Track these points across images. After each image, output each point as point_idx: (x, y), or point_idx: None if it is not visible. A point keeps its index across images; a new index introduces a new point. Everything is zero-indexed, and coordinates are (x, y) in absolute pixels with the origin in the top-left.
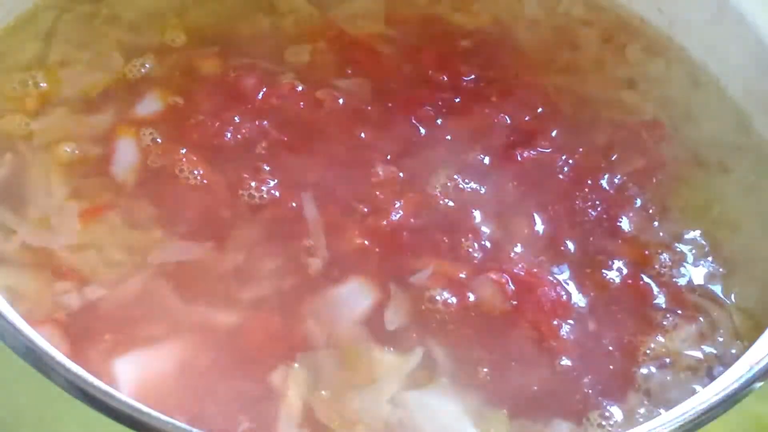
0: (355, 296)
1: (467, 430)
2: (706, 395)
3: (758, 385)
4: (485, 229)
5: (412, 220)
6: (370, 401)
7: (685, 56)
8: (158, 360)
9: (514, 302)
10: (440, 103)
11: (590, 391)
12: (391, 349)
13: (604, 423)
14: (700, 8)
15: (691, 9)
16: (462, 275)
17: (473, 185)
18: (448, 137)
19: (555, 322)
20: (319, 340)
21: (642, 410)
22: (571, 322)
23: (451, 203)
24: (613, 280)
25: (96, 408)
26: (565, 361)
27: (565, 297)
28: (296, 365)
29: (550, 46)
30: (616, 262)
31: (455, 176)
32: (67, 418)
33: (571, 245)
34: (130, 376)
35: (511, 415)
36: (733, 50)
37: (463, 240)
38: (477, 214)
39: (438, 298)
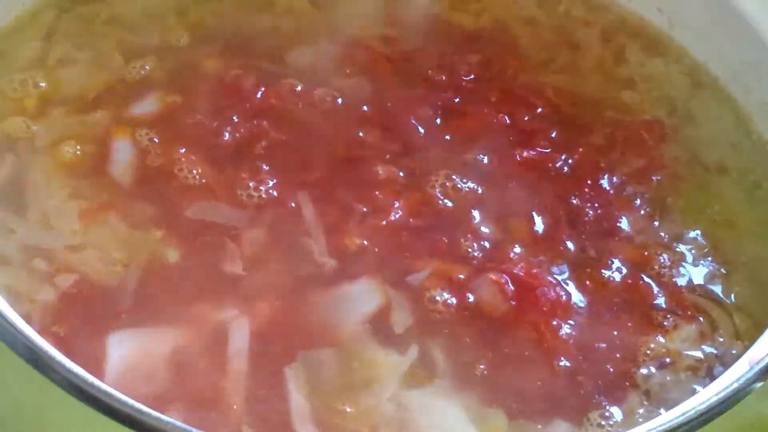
0: (361, 297)
1: (467, 430)
2: (706, 395)
3: (758, 385)
4: (485, 230)
5: (411, 220)
6: (370, 401)
7: (685, 56)
8: (152, 341)
9: (514, 302)
10: (440, 103)
11: (590, 391)
12: (391, 348)
13: (603, 423)
14: (700, 8)
15: (691, 9)
16: (461, 276)
17: (472, 185)
18: (448, 137)
19: (555, 323)
20: (319, 339)
21: (642, 410)
22: (571, 322)
23: (450, 203)
24: (613, 279)
25: (96, 408)
26: (565, 362)
27: (564, 297)
28: (296, 364)
29: (550, 46)
30: (615, 261)
31: (454, 176)
32: (67, 418)
33: (570, 245)
34: (121, 351)
35: (511, 415)
36: (733, 50)
37: (462, 240)
38: (476, 214)
39: (438, 298)
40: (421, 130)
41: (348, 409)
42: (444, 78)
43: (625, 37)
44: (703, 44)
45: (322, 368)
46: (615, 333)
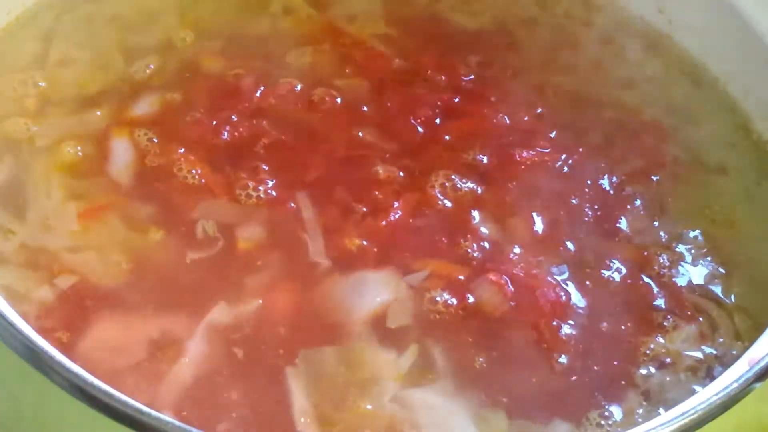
0: (363, 293)
1: (468, 430)
2: (706, 395)
3: (758, 385)
4: (484, 230)
5: (411, 220)
6: (372, 400)
7: (685, 56)
8: (138, 322)
9: (513, 303)
10: (439, 103)
11: (590, 391)
12: (391, 348)
13: (603, 423)
14: (700, 8)
15: (691, 9)
16: (461, 276)
17: (472, 185)
18: (447, 137)
19: (554, 323)
20: (320, 338)
21: (641, 410)
22: (570, 322)
23: (449, 203)
24: (613, 279)
25: (96, 408)
26: (565, 362)
27: (564, 298)
28: (298, 362)
29: (550, 46)
30: (615, 262)
31: (454, 176)
32: (67, 417)
33: (570, 245)
34: (103, 326)
35: (511, 416)
36: (733, 50)
37: (462, 240)
38: (476, 215)
39: (438, 299)
40: (421, 130)
41: (350, 409)
42: (444, 78)
43: (625, 37)
44: (703, 44)
45: (323, 367)
46: (615, 333)
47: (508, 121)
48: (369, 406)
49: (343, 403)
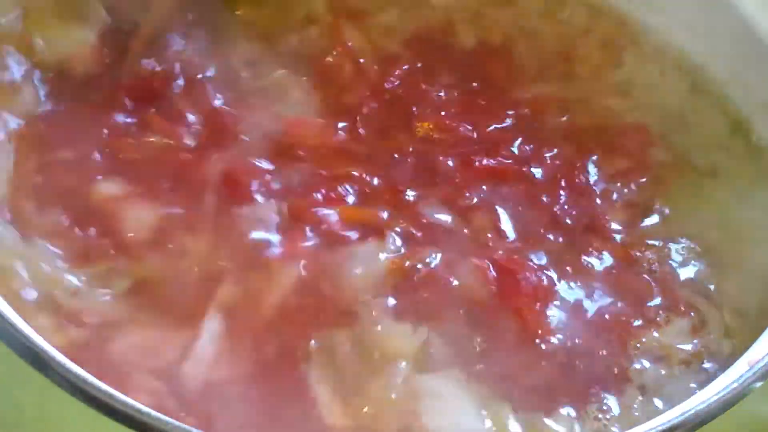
0: (364, 260)
1: (470, 417)
2: (706, 395)
3: (758, 385)
4: (468, 231)
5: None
6: (383, 385)
7: (683, 59)
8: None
9: (495, 288)
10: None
11: (586, 386)
12: (400, 326)
13: (600, 417)
14: (700, 10)
15: (691, 11)
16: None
17: (459, 186)
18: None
19: (548, 320)
20: (330, 319)
21: (637, 404)
22: (564, 320)
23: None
24: (604, 276)
25: (96, 408)
26: (560, 357)
27: (557, 295)
28: (313, 351)
29: (549, 51)
30: (606, 259)
31: (445, 176)
32: (67, 418)
33: (562, 244)
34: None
35: (511, 409)
36: (733, 50)
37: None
38: (466, 215)
39: (424, 283)
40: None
41: (364, 396)
42: (441, 85)
43: (623, 42)
44: (702, 46)
45: (338, 352)
46: (608, 329)
47: (505, 122)
48: (381, 392)
49: (358, 390)
